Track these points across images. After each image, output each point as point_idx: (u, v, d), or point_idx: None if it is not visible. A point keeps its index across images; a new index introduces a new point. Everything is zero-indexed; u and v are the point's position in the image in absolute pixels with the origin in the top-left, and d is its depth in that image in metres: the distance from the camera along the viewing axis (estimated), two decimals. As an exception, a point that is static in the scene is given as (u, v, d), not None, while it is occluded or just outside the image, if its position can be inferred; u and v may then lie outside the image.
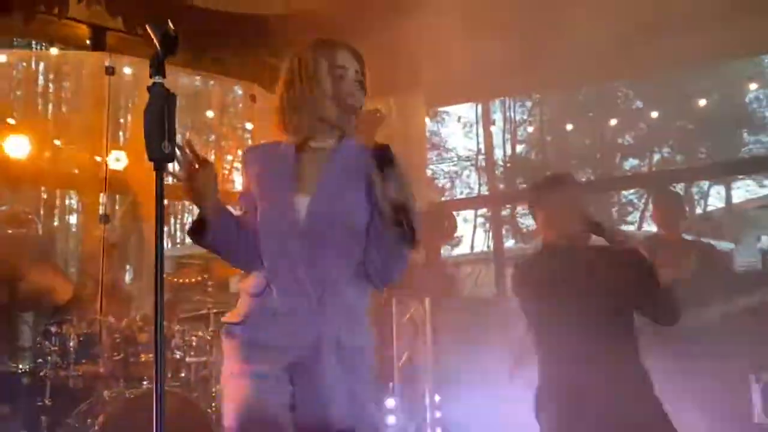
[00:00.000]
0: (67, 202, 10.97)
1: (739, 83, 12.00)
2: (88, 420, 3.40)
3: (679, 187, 14.43)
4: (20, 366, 3.64)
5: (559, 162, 16.06)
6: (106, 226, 4.82)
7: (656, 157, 18.94)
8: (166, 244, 13.58)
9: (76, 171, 6.54)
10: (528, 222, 19.00)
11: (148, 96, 1.32)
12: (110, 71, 4.83)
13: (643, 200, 18.46)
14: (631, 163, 19.16)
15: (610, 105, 14.87)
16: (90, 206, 6.69)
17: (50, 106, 7.43)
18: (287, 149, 1.82)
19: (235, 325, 1.76)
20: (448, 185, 19.41)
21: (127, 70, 6.45)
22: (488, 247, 17.71)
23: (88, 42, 6.55)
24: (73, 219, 11.28)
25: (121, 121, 7.92)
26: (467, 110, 17.14)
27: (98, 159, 6.04)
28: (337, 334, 1.70)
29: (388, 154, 1.64)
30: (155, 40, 1.31)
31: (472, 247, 17.44)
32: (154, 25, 1.31)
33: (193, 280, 4.31)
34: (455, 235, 4.25)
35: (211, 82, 6.73)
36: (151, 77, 1.33)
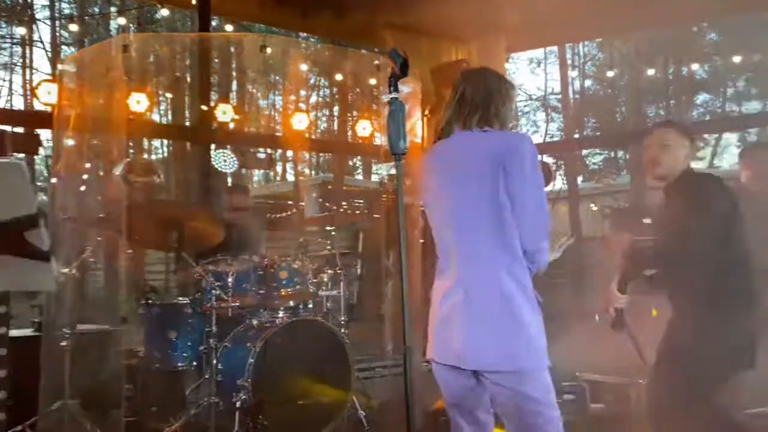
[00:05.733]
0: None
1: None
2: (248, 344, 4.07)
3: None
4: (184, 299, 4.30)
5: (631, 98, 16.01)
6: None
7: (730, 91, 18.55)
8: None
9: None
10: (595, 160, 19.12)
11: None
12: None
13: (714, 137, 18.29)
14: (704, 98, 18.87)
15: (683, 44, 14.63)
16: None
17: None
18: None
19: None
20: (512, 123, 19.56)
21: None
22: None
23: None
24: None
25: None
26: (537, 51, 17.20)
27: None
28: None
29: None
30: (394, 66, 1.81)
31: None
32: (395, 53, 1.81)
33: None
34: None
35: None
36: (389, 93, 1.83)
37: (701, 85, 17.68)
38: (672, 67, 15.56)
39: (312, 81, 19.05)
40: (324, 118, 21.49)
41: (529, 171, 2.16)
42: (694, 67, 15.90)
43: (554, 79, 18.94)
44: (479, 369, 2.21)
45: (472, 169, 2.21)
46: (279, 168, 21.28)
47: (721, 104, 18.22)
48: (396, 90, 1.83)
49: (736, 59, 14.10)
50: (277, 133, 7.59)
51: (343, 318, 4.67)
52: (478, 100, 2.30)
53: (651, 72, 13.05)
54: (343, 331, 4.54)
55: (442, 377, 2.33)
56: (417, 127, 5.65)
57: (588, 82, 19.38)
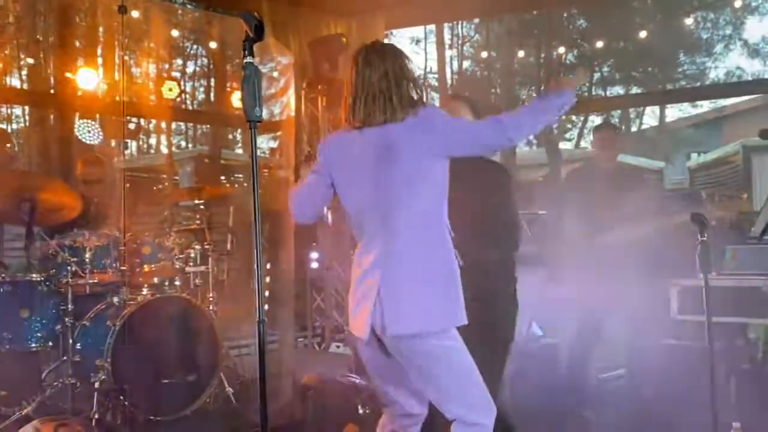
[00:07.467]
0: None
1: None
2: (107, 322, 3.87)
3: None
4: (38, 275, 3.99)
5: (504, 79, 16.55)
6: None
7: (596, 76, 19.54)
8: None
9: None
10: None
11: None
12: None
13: (581, 119, 19.30)
14: (572, 81, 19.73)
15: (555, 27, 15.24)
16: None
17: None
18: None
19: None
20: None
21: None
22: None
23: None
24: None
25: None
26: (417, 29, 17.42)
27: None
28: None
29: None
30: (249, 29, 1.73)
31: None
32: (249, 16, 1.72)
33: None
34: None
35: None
36: (244, 58, 1.75)
37: (570, 69, 18.50)
38: (543, 51, 16.18)
39: (190, 50, 18.28)
40: (202, 89, 20.71)
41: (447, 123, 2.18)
42: (564, 51, 16.61)
43: (434, 59, 19.24)
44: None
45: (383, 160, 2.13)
46: (153, 140, 20.35)
47: (588, 88, 19.17)
48: (251, 54, 1.76)
49: (602, 45, 14.98)
50: (151, 102, 7.21)
51: (211, 295, 4.54)
52: (384, 87, 2.14)
53: (522, 54, 13.52)
54: (211, 308, 4.42)
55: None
56: (292, 101, 5.54)
57: (466, 63, 19.84)
